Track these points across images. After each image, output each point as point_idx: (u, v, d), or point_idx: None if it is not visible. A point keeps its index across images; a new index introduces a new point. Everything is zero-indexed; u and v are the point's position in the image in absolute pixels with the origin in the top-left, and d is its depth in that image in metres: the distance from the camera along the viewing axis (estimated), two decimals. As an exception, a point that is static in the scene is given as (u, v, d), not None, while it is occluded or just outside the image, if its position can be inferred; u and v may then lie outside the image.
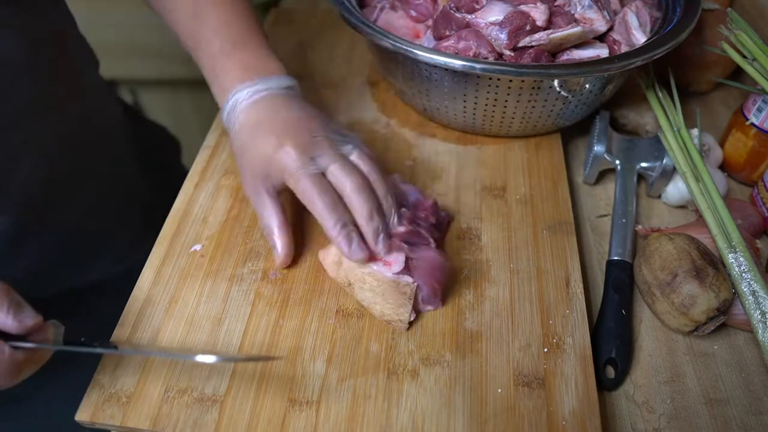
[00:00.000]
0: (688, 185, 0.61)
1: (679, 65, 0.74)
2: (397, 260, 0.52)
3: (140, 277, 0.57)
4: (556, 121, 0.69)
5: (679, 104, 0.68)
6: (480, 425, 0.46)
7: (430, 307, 0.53)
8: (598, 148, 0.66)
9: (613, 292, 0.56)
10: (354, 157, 0.53)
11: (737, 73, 0.77)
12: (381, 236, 0.51)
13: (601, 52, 0.64)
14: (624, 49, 0.66)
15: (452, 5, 0.67)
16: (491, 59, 0.64)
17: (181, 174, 0.66)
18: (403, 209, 0.55)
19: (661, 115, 0.67)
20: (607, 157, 0.66)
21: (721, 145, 0.70)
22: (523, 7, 0.64)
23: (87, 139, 0.67)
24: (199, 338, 0.52)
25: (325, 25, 0.92)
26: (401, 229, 0.53)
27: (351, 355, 0.51)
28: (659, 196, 0.67)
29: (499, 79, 0.62)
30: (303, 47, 0.88)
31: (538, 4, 0.64)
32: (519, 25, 0.62)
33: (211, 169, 0.67)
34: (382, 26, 0.70)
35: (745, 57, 0.65)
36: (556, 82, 0.62)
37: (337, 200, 0.51)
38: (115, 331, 0.52)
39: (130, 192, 0.77)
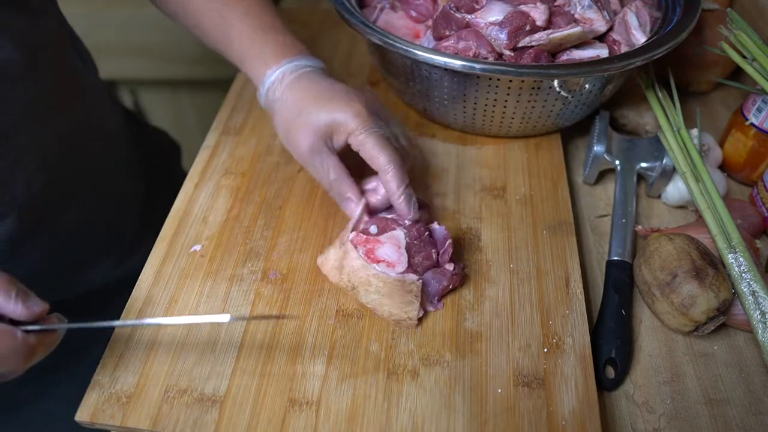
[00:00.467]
0: (688, 185, 0.61)
1: (679, 65, 0.74)
2: (401, 260, 0.52)
3: (140, 277, 0.57)
4: (556, 121, 0.69)
5: (678, 104, 0.68)
6: (480, 425, 0.46)
7: (431, 308, 0.54)
8: (598, 148, 0.66)
9: (613, 292, 0.56)
10: (402, 140, 0.60)
11: (737, 73, 0.77)
12: (413, 202, 0.56)
13: (601, 52, 0.64)
14: (624, 49, 0.66)
15: (452, 5, 0.67)
16: (491, 59, 0.64)
17: (182, 177, 0.66)
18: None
19: (660, 115, 0.67)
20: (607, 157, 0.66)
21: (721, 145, 0.70)
22: (523, 7, 0.64)
23: (87, 142, 0.67)
24: (199, 338, 0.52)
25: (325, 25, 0.92)
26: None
27: (351, 355, 0.51)
28: (659, 196, 0.67)
29: (499, 80, 0.62)
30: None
31: (538, 4, 0.64)
32: (519, 25, 0.62)
33: (211, 169, 0.67)
34: (382, 26, 0.70)
35: (744, 57, 0.65)
36: (555, 82, 0.62)
37: (401, 161, 0.55)
38: (115, 330, 0.52)
39: (130, 194, 0.78)
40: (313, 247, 0.59)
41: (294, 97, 0.57)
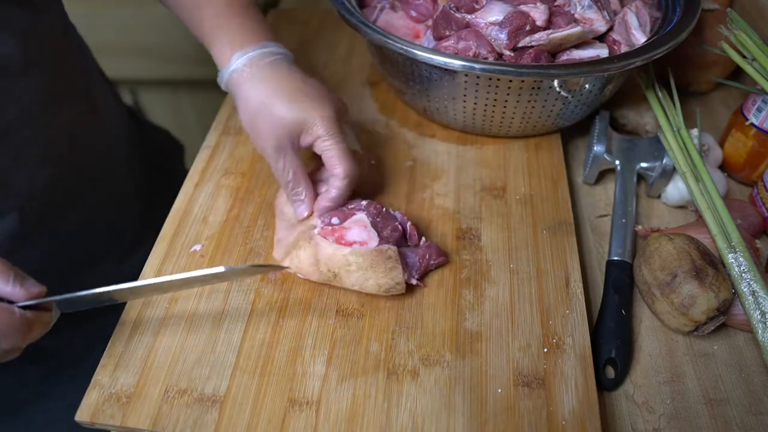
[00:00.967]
0: (688, 185, 0.61)
1: (679, 65, 0.74)
2: (371, 236, 0.54)
3: (140, 276, 0.57)
4: (556, 121, 0.69)
5: (678, 104, 0.68)
6: (480, 425, 0.46)
7: (413, 281, 0.55)
8: (598, 148, 0.66)
9: (613, 292, 0.56)
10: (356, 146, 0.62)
11: (737, 73, 0.77)
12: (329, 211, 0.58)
13: (601, 52, 0.64)
14: (624, 49, 0.66)
15: (452, 5, 0.67)
16: (491, 59, 0.64)
17: (183, 177, 0.66)
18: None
19: (660, 115, 0.67)
20: (607, 157, 0.66)
21: (721, 145, 0.70)
22: (523, 7, 0.64)
23: (90, 141, 0.67)
24: (199, 338, 0.52)
25: (325, 25, 0.92)
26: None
27: (351, 355, 0.51)
28: (659, 196, 0.67)
29: (499, 79, 0.62)
30: (303, 47, 0.88)
31: (538, 4, 0.64)
32: (519, 25, 0.62)
33: (211, 169, 0.67)
34: (382, 26, 0.70)
35: (744, 57, 0.65)
36: (555, 82, 0.62)
37: (356, 172, 0.58)
38: (115, 330, 0.52)
39: (130, 194, 0.78)
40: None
41: (266, 88, 0.56)
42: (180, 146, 0.95)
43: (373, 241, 0.54)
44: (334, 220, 0.56)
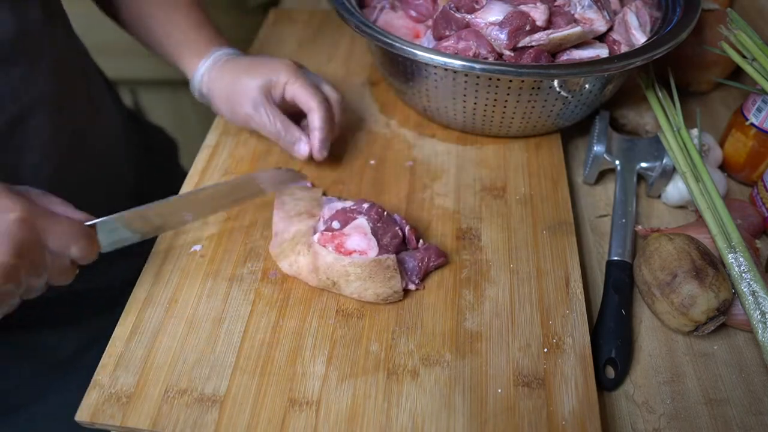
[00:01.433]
0: (688, 185, 0.61)
1: (679, 65, 0.74)
2: (371, 245, 0.54)
3: (140, 277, 0.57)
4: (556, 122, 0.69)
5: (678, 104, 0.68)
6: (480, 425, 0.46)
7: (412, 286, 0.55)
8: (598, 148, 0.66)
9: (613, 292, 0.56)
10: (327, 88, 0.67)
11: (737, 73, 0.77)
12: (327, 145, 0.64)
13: (601, 52, 0.64)
14: (624, 49, 0.66)
15: (452, 5, 0.67)
16: (491, 59, 0.64)
17: (180, 174, 0.66)
18: None
19: (660, 115, 0.67)
20: (607, 157, 0.66)
21: (721, 145, 0.70)
22: (523, 7, 0.64)
23: (89, 142, 0.67)
24: (199, 337, 0.52)
25: (325, 25, 0.92)
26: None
27: (351, 355, 0.51)
28: (659, 196, 0.67)
29: (499, 79, 0.62)
30: (303, 47, 0.88)
31: (538, 4, 0.64)
32: (519, 25, 0.62)
33: (211, 169, 0.67)
34: (382, 26, 0.70)
35: (744, 57, 0.65)
36: (555, 82, 0.62)
37: (328, 105, 0.64)
38: (115, 330, 0.52)
39: (131, 193, 0.78)
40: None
41: (229, 74, 0.65)
42: (174, 143, 0.95)
43: (373, 250, 0.53)
44: (335, 224, 0.56)
